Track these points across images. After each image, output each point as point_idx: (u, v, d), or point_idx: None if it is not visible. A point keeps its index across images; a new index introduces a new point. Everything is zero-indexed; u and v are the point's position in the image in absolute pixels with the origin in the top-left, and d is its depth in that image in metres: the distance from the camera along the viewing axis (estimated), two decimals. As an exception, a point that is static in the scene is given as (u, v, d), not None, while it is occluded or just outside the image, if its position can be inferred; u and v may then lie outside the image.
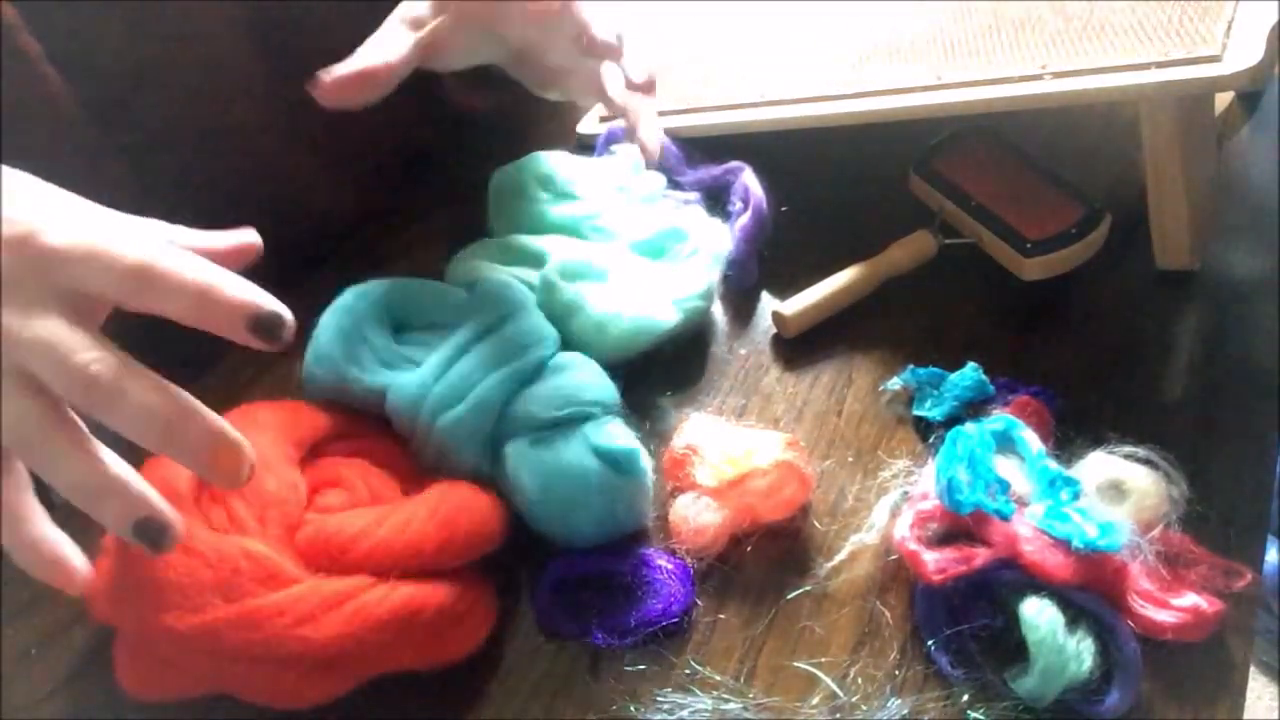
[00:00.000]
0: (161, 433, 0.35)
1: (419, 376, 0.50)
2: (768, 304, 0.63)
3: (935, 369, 0.57)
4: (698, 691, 0.45)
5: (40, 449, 0.36)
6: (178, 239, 0.42)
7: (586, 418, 0.50)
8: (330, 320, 0.53)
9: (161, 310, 0.36)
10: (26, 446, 0.36)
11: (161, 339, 0.68)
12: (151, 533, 0.37)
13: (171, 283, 0.36)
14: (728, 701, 0.45)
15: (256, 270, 0.68)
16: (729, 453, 0.51)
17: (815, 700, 0.45)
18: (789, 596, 0.49)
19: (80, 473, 0.36)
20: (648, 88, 0.58)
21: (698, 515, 0.50)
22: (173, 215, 0.51)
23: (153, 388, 0.36)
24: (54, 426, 0.36)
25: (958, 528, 0.49)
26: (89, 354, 0.35)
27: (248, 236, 0.44)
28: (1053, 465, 0.50)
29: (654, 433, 0.55)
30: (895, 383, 0.58)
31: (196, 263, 0.37)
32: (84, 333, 0.36)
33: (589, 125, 0.75)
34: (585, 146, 0.72)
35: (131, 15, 0.55)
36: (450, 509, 0.46)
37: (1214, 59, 0.52)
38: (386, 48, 0.51)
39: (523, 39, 0.58)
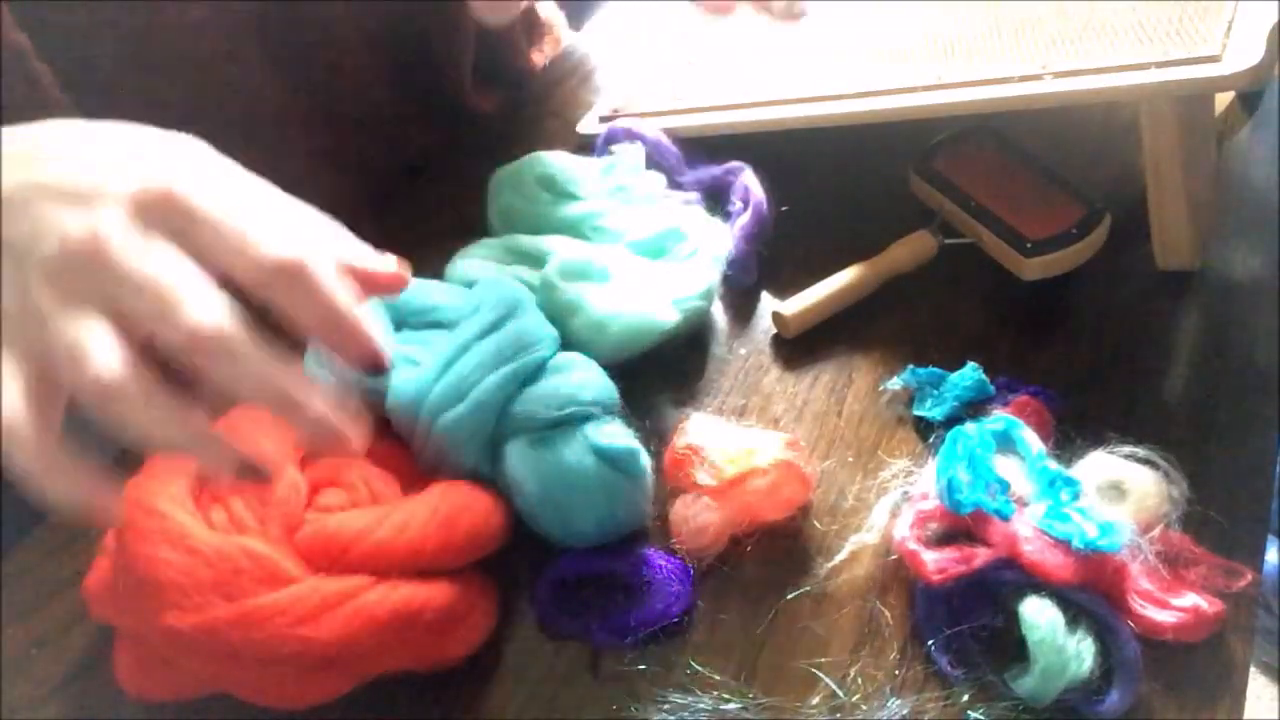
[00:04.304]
0: (275, 399, 0.36)
1: (419, 376, 0.50)
2: (768, 304, 0.63)
3: (935, 369, 0.57)
4: (698, 691, 0.45)
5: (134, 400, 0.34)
6: (342, 252, 0.41)
7: (586, 418, 0.50)
8: (330, 320, 0.53)
9: (290, 311, 0.37)
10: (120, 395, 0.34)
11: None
12: (253, 473, 0.37)
13: (314, 294, 0.37)
14: (728, 701, 0.45)
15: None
16: (729, 453, 0.51)
17: (815, 700, 0.45)
18: (789, 596, 0.49)
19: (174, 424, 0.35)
20: None
21: (698, 515, 0.50)
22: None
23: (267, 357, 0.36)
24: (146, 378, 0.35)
25: (958, 528, 0.49)
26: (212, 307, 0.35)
27: (404, 270, 0.44)
28: (1053, 465, 0.50)
29: (654, 433, 0.55)
30: (895, 383, 0.58)
31: (339, 283, 0.37)
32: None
33: (589, 125, 0.75)
34: (585, 146, 0.72)
35: (127, 14, 0.55)
36: (450, 509, 0.46)
37: (1214, 59, 0.52)
38: None
39: None
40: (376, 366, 0.38)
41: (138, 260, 0.35)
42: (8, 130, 0.39)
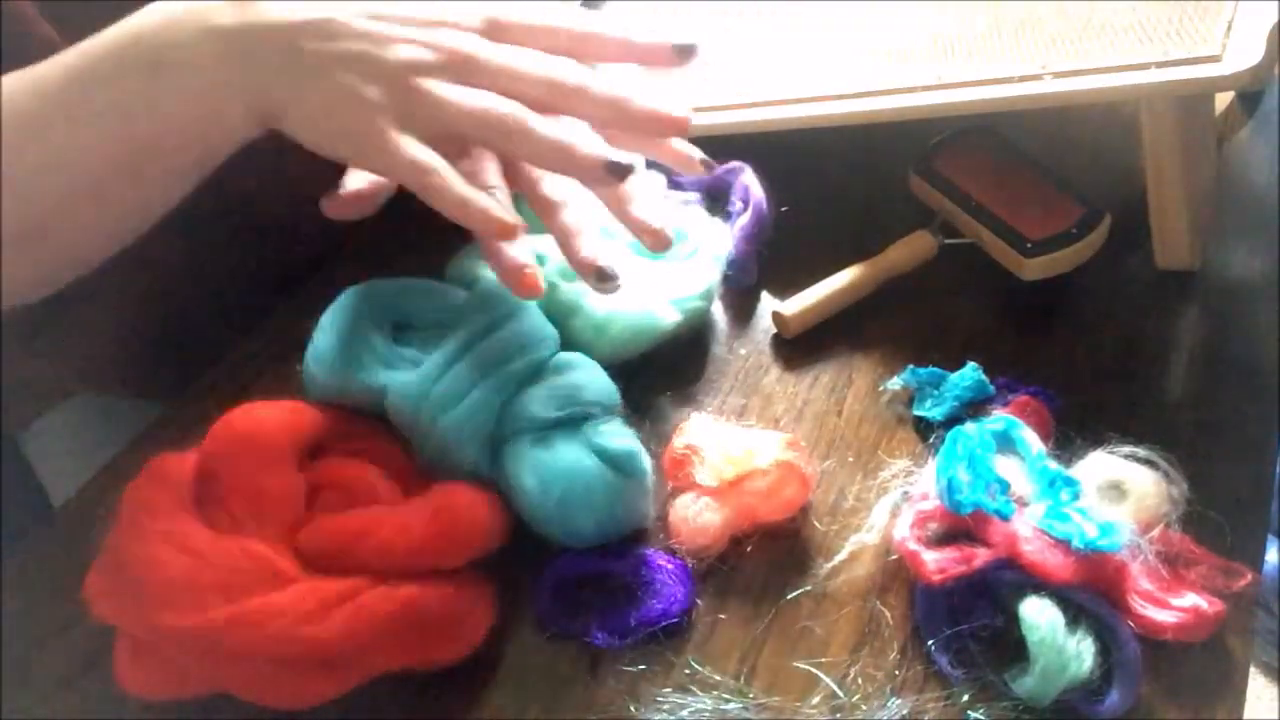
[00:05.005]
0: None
1: (419, 376, 0.50)
2: (768, 304, 0.63)
3: (935, 369, 0.57)
4: (698, 691, 0.45)
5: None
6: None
7: (586, 418, 0.50)
8: (330, 320, 0.53)
9: (577, 111, 0.48)
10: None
11: (160, 340, 0.68)
12: (621, 170, 0.45)
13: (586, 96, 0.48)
14: (728, 701, 0.45)
15: (257, 270, 0.68)
16: (729, 453, 0.51)
17: (815, 700, 0.45)
18: (789, 596, 0.49)
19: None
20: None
21: (698, 515, 0.50)
22: (173, 213, 0.51)
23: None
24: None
25: (958, 528, 0.49)
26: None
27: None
28: (1053, 465, 0.50)
29: (654, 433, 0.55)
30: (895, 383, 0.58)
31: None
32: None
33: (589, 125, 0.75)
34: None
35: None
36: (450, 509, 0.46)
37: (1214, 59, 0.52)
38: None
39: None
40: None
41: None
42: None
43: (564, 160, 0.46)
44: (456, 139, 0.47)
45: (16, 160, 0.45)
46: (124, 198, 0.48)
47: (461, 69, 0.46)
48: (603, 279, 0.47)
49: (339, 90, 0.44)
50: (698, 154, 0.53)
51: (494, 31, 0.48)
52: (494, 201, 0.45)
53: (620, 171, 0.45)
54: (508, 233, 0.45)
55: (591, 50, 0.50)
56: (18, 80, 0.46)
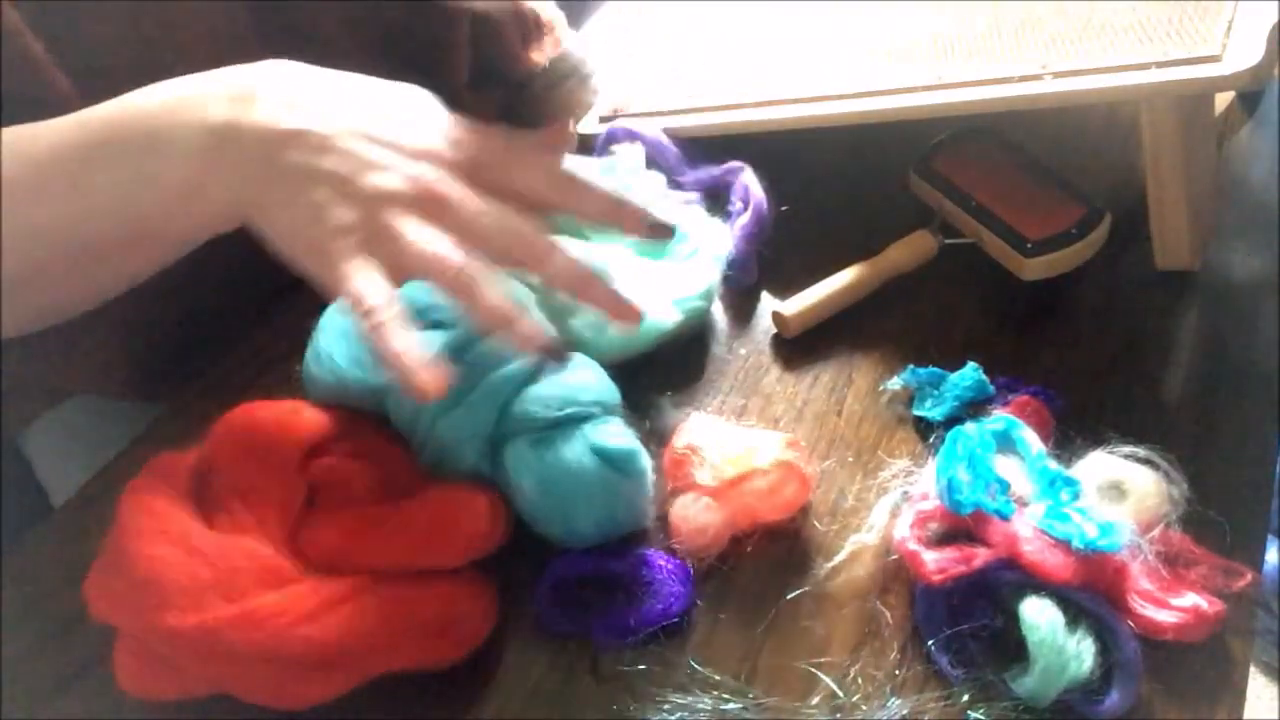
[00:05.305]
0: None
1: (419, 376, 0.50)
2: (768, 304, 0.63)
3: (935, 369, 0.57)
4: (698, 691, 0.45)
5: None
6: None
7: (586, 418, 0.50)
8: (330, 320, 0.53)
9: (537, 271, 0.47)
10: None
11: (160, 340, 0.68)
12: (557, 353, 0.46)
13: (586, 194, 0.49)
14: (728, 701, 0.45)
15: (257, 270, 0.68)
16: (729, 453, 0.51)
17: (815, 700, 0.45)
18: (789, 596, 0.49)
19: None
20: None
21: (698, 515, 0.50)
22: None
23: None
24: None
25: (958, 528, 0.49)
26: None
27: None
28: (1053, 465, 0.50)
29: (654, 433, 0.55)
30: (895, 383, 0.58)
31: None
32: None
33: (589, 125, 0.75)
34: (585, 147, 0.72)
35: (134, 13, 0.55)
36: (450, 509, 0.46)
37: (1214, 59, 0.52)
38: None
39: None
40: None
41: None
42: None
43: (504, 327, 0.45)
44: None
45: (18, 218, 0.47)
46: (111, 262, 0.50)
47: (431, 207, 0.45)
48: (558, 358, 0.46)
49: (308, 206, 0.44)
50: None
51: (478, 170, 0.47)
52: (421, 361, 0.43)
53: (556, 354, 0.45)
54: (424, 395, 0.42)
55: (572, 201, 0.49)
56: (26, 140, 0.48)
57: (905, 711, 0.45)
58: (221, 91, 0.46)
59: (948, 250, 0.64)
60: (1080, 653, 0.44)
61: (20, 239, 0.47)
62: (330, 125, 0.46)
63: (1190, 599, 0.46)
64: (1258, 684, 1.33)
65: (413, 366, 0.42)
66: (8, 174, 0.47)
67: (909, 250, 0.64)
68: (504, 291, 0.45)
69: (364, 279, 0.43)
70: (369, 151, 0.45)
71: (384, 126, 0.46)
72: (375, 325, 0.43)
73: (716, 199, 0.67)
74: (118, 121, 0.47)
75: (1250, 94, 0.70)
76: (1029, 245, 0.61)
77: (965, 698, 0.45)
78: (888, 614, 0.48)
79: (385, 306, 0.43)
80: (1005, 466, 0.50)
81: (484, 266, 0.44)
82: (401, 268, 0.44)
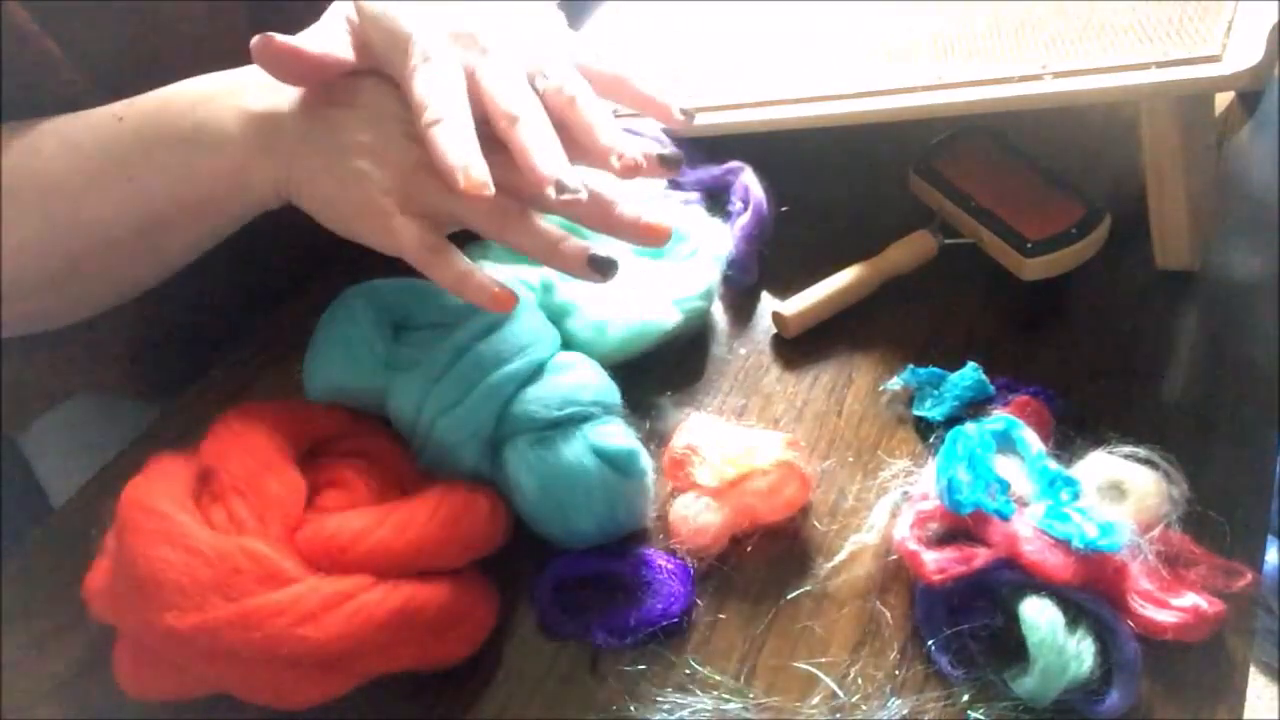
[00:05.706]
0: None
1: (419, 377, 0.50)
2: (768, 304, 0.63)
3: (935, 369, 0.57)
4: (698, 691, 0.45)
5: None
6: None
7: (586, 418, 0.50)
8: (330, 320, 0.53)
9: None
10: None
11: (160, 340, 0.68)
12: (603, 266, 0.46)
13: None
14: (728, 701, 0.45)
15: (257, 271, 0.68)
16: (729, 453, 0.51)
17: (815, 700, 0.45)
18: (789, 596, 0.49)
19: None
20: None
21: (698, 515, 0.50)
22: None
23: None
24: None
25: (958, 528, 0.49)
26: None
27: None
28: (1053, 465, 0.50)
29: (654, 433, 0.55)
30: (895, 383, 0.58)
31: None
32: None
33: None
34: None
35: (134, 13, 0.55)
36: (450, 509, 0.46)
37: (1214, 59, 0.52)
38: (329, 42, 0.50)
39: None
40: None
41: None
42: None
43: (550, 254, 0.47)
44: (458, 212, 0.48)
45: (76, 208, 0.51)
46: (170, 236, 0.53)
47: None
48: (561, 190, 0.44)
49: (350, 174, 0.47)
50: (677, 103, 0.52)
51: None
52: (488, 277, 0.46)
53: (603, 267, 0.47)
54: (503, 304, 0.46)
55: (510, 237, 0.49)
56: (71, 134, 0.51)
57: (905, 711, 0.45)
58: (255, 80, 0.49)
59: (948, 250, 0.64)
60: (1080, 653, 0.44)
61: (76, 228, 0.51)
62: (363, 111, 0.48)
63: (1190, 599, 0.46)
64: (1258, 684, 1.33)
65: (481, 282, 0.46)
66: (61, 167, 0.50)
67: (909, 250, 0.64)
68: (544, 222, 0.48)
69: (415, 228, 0.47)
70: (400, 126, 0.48)
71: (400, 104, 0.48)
72: (439, 264, 0.47)
73: (716, 199, 0.68)
74: (160, 114, 0.50)
75: (1250, 94, 0.70)
76: (1029, 245, 0.61)
77: (965, 698, 0.45)
78: (888, 614, 0.48)
79: (443, 245, 0.47)
80: (1005, 466, 0.50)
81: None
82: (446, 215, 0.48)
